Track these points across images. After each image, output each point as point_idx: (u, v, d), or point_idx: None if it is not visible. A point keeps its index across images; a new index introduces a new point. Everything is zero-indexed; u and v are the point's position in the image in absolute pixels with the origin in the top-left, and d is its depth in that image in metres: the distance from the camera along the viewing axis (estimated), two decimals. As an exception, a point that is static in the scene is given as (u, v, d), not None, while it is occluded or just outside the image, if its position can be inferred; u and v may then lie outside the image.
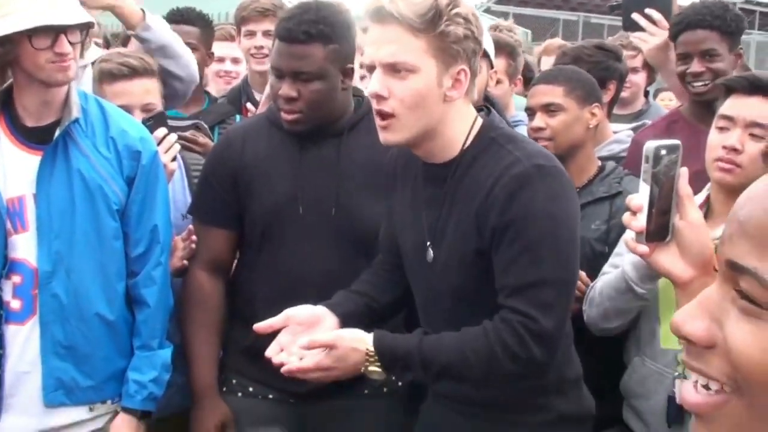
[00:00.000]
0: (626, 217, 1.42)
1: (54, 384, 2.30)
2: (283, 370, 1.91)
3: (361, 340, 1.89)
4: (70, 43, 2.21)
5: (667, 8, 3.08)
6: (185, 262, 2.57)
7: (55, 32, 2.18)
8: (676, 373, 2.19)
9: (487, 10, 16.95)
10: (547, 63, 4.48)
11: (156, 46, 2.93)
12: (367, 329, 1.93)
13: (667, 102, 5.28)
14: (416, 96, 1.85)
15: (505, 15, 17.92)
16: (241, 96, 3.67)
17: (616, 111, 3.42)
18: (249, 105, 3.51)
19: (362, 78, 2.78)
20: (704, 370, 0.78)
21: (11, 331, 2.27)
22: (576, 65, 2.99)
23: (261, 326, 1.98)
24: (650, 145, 1.36)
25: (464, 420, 2.09)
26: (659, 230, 1.39)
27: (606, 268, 2.41)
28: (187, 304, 2.55)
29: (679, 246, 1.39)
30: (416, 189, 2.04)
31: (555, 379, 2.02)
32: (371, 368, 1.88)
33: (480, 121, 1.97)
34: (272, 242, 2.42)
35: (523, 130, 2.95)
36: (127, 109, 2.57)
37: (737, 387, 0.75)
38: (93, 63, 2.79)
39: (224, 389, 2.53)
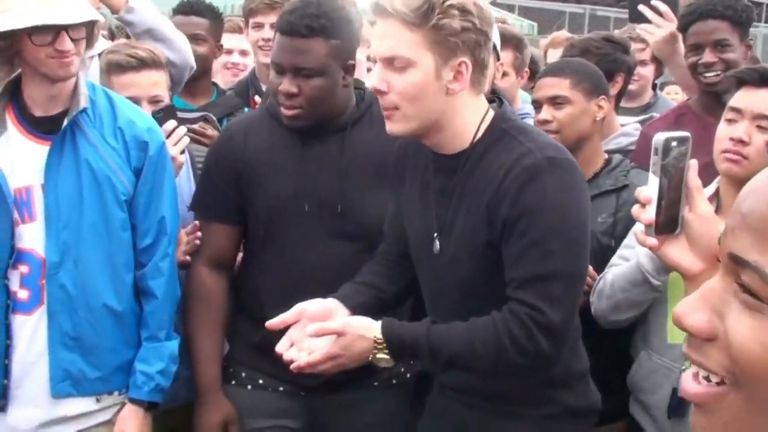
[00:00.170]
0: (635, 209, 1.42)
1: (61, 375, 2.30)
2: (292, 367, 1.91)
3: (370, 327, 1.89)
4: (73, 39, 2.20)
5: (674, 0, 3.07)
6: (188, 257, 2.55)
7: (55, 29, 2.17)
8: (683, 368, 2.18)
9: (493, 3, 16.88)
10: (554, 56, 4.47)
11: (142, 29, 2.93)
12: (376, 319, 1.94)
13: (673, 95, 5.26)
14: (414, 89, 1.86)
15: (510, 7, 17.91)
16: (248, 88, 3.66)
17: (623, 104, 3.41)
18: (257, 98, 3.50)
19: (369, 70, 2.78)
20: (704, 363, 0.78)
21: (18, 321, 2.28)
22: (584, 57, 2.98)
23: (273, 323, 1.98)
24: (660, 137, 1.36)
25: (470, 412, 2.09)
26: (668, 222, 1.39)
27: (614, 260, 2.41)
28: (189, 300, 2.53)
29: (689, 238, 1.39)
30: (426, 179, 2.04)
31: (562, 372, 2.02)
32: (379, 356, 1.88)
33: (492, 113, 1.97)
34: (277, 239, 2.41)
35: (529, 123, 2.94)
36: (135, 100, 2.57)
37: (736, 381, 0.75)
38: (100, 54, 2.79)
39: (233, 382, 2.52)
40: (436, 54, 1.84)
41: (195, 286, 2.53)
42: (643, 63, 3.94)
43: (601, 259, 2.46)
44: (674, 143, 1.35)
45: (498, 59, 3.30)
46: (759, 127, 2.20)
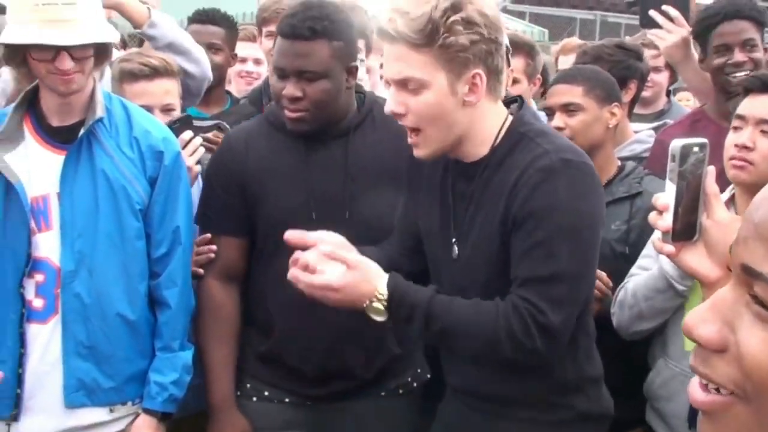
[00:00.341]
0: (652, 216, 1.41)
1: (75, 384, 2.29)
2: (289, 275, 1.87)
3: (379, 276, 1.86)
4: (76, 58, 2.19)
5: (685, 6, 3.06)
6: (201, 270, 2.52)
7: (55, 48, 2.15)
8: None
9: (504, 9, 16.91)
10: (565, 62, 4.46)
11: (163, 43, 2.94)
12: None
13: (685, 102, 5.24)
14: (432, 109, 1.85)
15: (521, 14, 17.92)
16: (262, 97, 3.65)
17: (637, 110, 3.41)
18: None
19: (368, 71, 2.75)
20: (710, 375, 0.77)
21: (33, 330, 2.27)
22: (596, 64, 2.98)
23: (292, 236, 1.91)
24: (677, 143, 1.35)
25: (482, 418, 2.08)
26: (686, 229, 1.38)
27: (634, 269, 2.39)
28: (200, 314, 2.49)
29: (706, 245, 1.38)
30: (445, 185, 2.03)
31: (575, 377, 2.01)
32: (375, 305, 1.85)
33: (510, 118, 1.96)
34: (285, 248, 2.40)
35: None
36: (147, 109, 2.57)
37: (745, 394, 0.74)
38: (112, 63, 2.79)
39: (238, 393, 2.48)
40: (447, 71, 1.82)
41: (205, 300, 2.49)
42: (657, 69, 3.93)
43: (615, 266, 2.45)
44: (692, 149, 1.35)
45: (509, 65, 3.30)
46: (763, 132, 2.21)
